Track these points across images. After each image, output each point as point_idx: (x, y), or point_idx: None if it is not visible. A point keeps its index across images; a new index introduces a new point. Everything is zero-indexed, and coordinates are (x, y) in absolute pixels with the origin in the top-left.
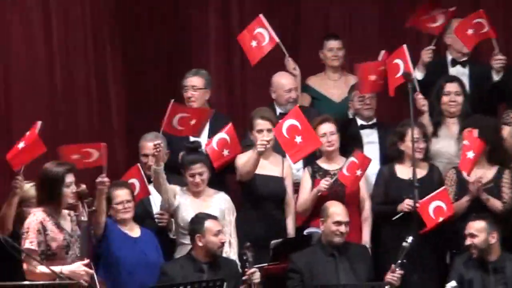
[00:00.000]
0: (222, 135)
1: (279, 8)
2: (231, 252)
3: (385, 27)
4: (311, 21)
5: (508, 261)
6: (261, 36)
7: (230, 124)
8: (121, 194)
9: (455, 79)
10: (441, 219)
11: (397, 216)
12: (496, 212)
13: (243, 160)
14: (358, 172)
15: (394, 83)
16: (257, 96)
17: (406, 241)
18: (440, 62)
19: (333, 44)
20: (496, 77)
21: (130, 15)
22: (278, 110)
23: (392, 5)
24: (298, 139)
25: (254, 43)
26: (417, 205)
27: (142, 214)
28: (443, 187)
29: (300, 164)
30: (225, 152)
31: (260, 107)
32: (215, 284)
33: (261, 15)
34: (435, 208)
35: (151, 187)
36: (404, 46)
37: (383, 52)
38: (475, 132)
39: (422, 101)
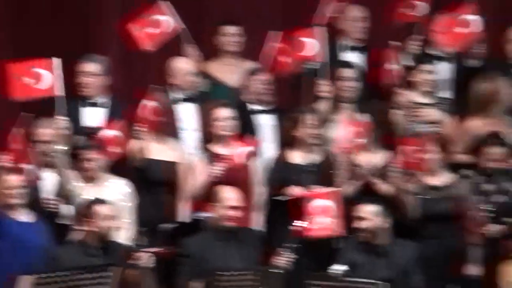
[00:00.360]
0: (114, 132)
1: None
2: (126, 237)
3: (289, 12)
4: (211, 7)
5: (396, 245)
6: (162, 23)
7: (123, 122)
8: (13, 179)
9: (350, 65)
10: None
11: (283, 198)
12: (384, 196)
13: (134, 146)
14: (248, 159)
15: (296, 60)
16: (155, 82)
17: (294, 225)
18: (334, 48)
19: (230, 29)
20: (410, 62)
21: (27, 2)
22: (177, 95)
23: None
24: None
25: (152, 30)
26: (308, 191)
27: (32, 199)
28: (337, 189)
29: (194, 148)
30: (115, 149)
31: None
32: (101, 268)
33: (162, 2)
34: (317, 209)
35: (42, 173)
36: (317, 28)
37: (275, 33)
38: (362, 118)
39: (325, 87)
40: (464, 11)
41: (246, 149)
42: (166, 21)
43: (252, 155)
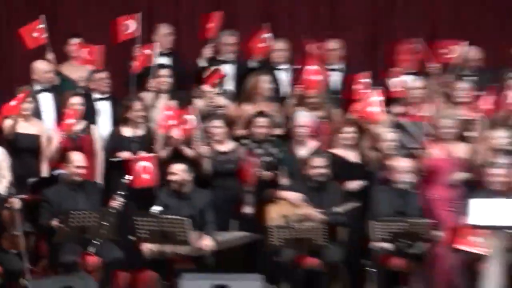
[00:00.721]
0: None
1: (41, 10)
2: (1, 187)
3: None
4: (63, 24)
5: (196, 193)
6: (40, 32)
7: None
8: None
9: (164, 66)
10: (145, 177)
11: (116, 159)
12: (188, 158)
13: (6, 123)
14: (70, 121)
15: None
16: (21, 77)
17: (124, 179)
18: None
19: (74, 41)
20: (203, 64)
21: None
22: (38, 87)
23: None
24: None
25: (35, 34)
26: (137, 155)
27: None
28: (154, 154)
29: (51, 125)
30: None
31: (24, 86)
32: None
33: (41, 17)
34: (141, 168)
35: None
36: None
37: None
38: (174, 104)
39: (150, 83)
40: (263, 32)
41: (72, 121)
42: (42, 33)
43: (71, 126)
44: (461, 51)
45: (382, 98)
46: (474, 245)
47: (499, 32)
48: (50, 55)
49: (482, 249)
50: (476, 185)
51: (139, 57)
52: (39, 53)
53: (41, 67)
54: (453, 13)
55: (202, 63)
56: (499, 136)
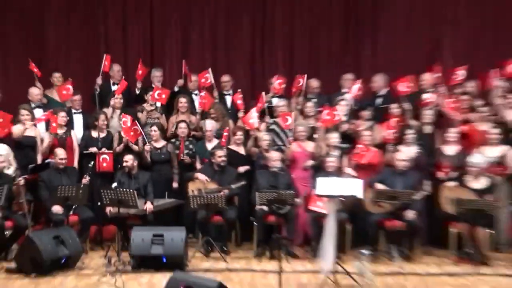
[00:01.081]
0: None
1: (32, 53)
2: (11, 171)
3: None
4: (45, 63)
5: (141, 174)
6: (37, 68)
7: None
8: None
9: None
10: (105, 165)
11: (87, 152)
12: (135, 151)
13: (16, 129)
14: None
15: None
16: (20, 98)
17: (91, 163)
18: (107, 83)
19: (56, 75)
20: (138, 91)
21: None
22: (33, 105)
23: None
24: None
25: (35, 70)
26: (101, 150)
27: None
28: (111, 151)
29: (44, 130)
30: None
31: (24, 104)
32: None
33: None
34: (103, 159)
35: None
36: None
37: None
38: (129, 117)
39: (112, 101)
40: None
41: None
42: (36, 67)
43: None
44: (306, 81)
45: (258, 113)
46: (319, 207)
47: (331, 68)
48: (38, 84)
49: (324, 210)
50: (320, 169)
51: (121, 86)
52: (30, 81)
53: (34, 91)
54: (306, 54)
55: (137, 91)
56: (332, 137)
